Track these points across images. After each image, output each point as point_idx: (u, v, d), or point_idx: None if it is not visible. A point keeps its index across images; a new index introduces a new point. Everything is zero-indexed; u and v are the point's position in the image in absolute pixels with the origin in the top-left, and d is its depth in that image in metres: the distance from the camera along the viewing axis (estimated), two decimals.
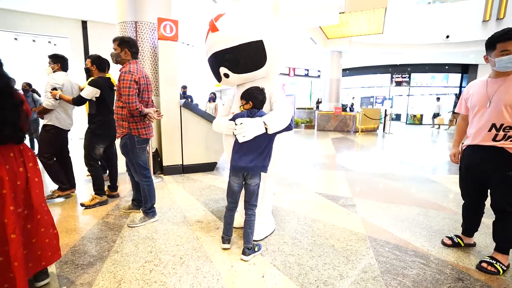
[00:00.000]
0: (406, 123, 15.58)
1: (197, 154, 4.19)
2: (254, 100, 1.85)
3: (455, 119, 12.22)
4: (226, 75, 1.93)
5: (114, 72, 4.21)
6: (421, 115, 14.84)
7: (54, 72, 2.95)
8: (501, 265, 1.79)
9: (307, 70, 14.90)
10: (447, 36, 10.64)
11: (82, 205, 2.74)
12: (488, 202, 1.94)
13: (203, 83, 13.24)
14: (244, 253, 1.89)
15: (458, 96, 14.83)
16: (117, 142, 2.55)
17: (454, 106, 12.14)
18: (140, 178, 2.33)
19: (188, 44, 9.96)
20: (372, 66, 16.06)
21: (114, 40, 2.23)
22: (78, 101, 2.70)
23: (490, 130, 1.76)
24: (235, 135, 1.81)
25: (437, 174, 4.47)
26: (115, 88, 3.54)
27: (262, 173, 1.95)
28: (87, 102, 2.76)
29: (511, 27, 1.70)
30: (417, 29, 11.06)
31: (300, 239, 2.21)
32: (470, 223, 2.10)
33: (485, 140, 1.79)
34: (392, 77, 15.75)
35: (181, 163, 4.10)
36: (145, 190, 2.35)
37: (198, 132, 4.11)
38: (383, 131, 10.89)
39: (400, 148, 7.27)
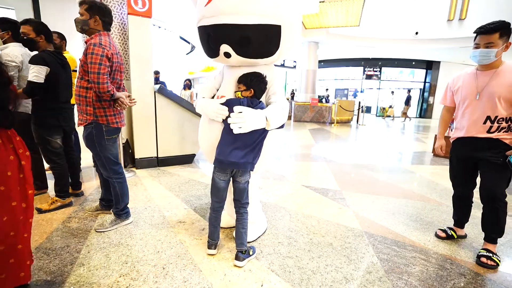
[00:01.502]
0: (376, 115, 16.25)
1: (173, 146, 3.82)
2: (256, 88, 1.60)
3: (407, 111, 13.12)
4: (227, 55, 1.59)
5: (73, 49, 3.64)
6: (389, 108, 15.55)
7: (4, 43, 2.36)
8: (497, 257, 1.79)
9: (283, 60, 14.75)
10: (416, 33, 11.10)
11: (38, 210, 2.25)
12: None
13: (176, 70, 12.49)
14: (237, 258, 1.66)
15: (423, 91, 15.77)
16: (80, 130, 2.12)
17: (407, 100, 12.97)
18: (109, 175, 1.97)
19: (159, 27, 9.19)
20: (345, 59, 16.37)
21: (82, 3, 1.78)
22: (30, 91, 2.01)
23: (485, 122, 1.76)
24: (226, 124, 1.55)
25: (412, 164, 4.60)
26: (75, 68, 3.03)
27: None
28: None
29: (483, 24, 1.73)
30: (390, 24, 11.37)
31: (296, 238, 2.03)
32: (462, 214, 2.10)
33: (480, 132, 1.80)
34: (364, 70, 16.22)
35: (156, 155, 3.71)
36: (117, 189, 2.00)
37: (174, 121, 3.73)
38: (357, 123, 11.20)
39: (374, 139, 7.47)
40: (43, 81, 2.03)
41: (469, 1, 11.14)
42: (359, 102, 11.42)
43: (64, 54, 2.40)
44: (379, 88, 16.47)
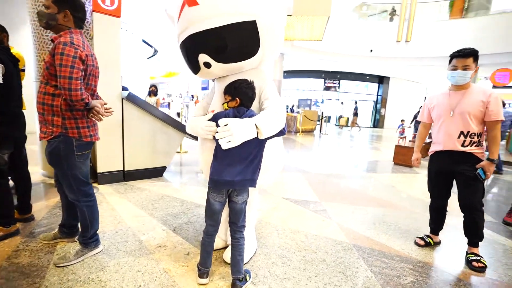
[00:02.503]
0: (335, 125, 17.25)
1: (142, 158, 3.48)
2: (242, 96, 1.46)
3: (355, 121, 14.37)
4: (207, 65, 1.48)
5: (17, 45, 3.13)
6: (348, 118, 16.66)
7: None
8: (483, 259, 1.95)
9: None
10: (371, 50, 12.15)
11: None
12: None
13: (137, 74, 11.73)
14: (234, 286, 1.51)
15: (376, 104, 17.23)
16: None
17: (356, 110, 14.24)
18: (77, 197, 1.67)
19: (121, 28, 8.58)
20: (307, 71, 17.17)
21: None
22: None
23: (459, 137, 1.94)
24: (216, 140, 1.41)
25: (378, 173, 4.90)
26: (24, 67, 2.59)
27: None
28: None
29: (460, 49, 1.92)
30: (349, 41, 12.27)
31: (288, 256, 1.95)
32: (438, 222, 2.25)
33: (455, 146, 1.96)
34: (324, 82, 17.18)
35: (122, 169, 3.34)
36: (85, 213, 1.70)
37: (144, 131, 3.42)
38: (320, 132, 11.72)
39: (338, 148, 7.86)
40: (1, 81, 1.68)
41: (413, 27, 12.57)
42: (322, 113, 12.00)
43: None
44: (338, 99, 17.56)
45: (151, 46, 10.77)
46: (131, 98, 3.19)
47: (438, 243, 2.28)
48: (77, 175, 1.62)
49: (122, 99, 3.17)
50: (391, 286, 1.68)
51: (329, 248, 2.10)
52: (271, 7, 1.46)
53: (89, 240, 1.76)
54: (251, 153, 1.45)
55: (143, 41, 9.32)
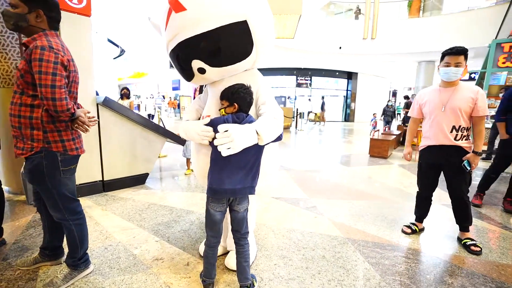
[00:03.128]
0: (308, 121, 17.71)
1: (122, 166, 3.29)
2: (240, 102, 1.43)
3: (322, 116, 14.98)
4: (201, 70, 1.43)
5: None
6: (315, 114, 17.19)
7: None
8: (478, 242, 2.13)
9: None
10: (340, 47, 12.63)
11: None
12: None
13: (103, 75, 11.00)
14: None
15: (346, 98, 17.96)
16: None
17: (322, 106, 14.84)
18: (64, 216, 1.52)
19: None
20: (280, 68, 17.39)
21: None
22: None
23: (451, 131, 2.05)
24: (213, 147, 1.37)
25: (356, 166, 5.12)
26: None
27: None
28: None
29: (453, 47, 2.02)
30: (319, 38, 12.63)
31: (289, 256, 1.97)
32: (424, 211, 2.40)
33: (447, 140, 2.08)
34: (296, 79, 17.53)
35: (101, 179, 3.12)
36: (74, 233, 1.55)
37: (123, 138, 3.22)
38: (296, 128, 11.96)
39: (315, 143, 8.09)
40: None
41: (377, 25, 13.24)
42: (297, 109, 12.24)
43: None
44: (310, 96, 18.04)
45: (117, 46, 10.16)
46: (107, 103, 2.98)
47: (422, 230, 2.45)
48: (63, 193, 1.47)
49: (98, 104, 2.96)
50: (388, 275, 1.77)
51: (326, 244, 2.15)
52: (259, 5, 1.44)
53: (79, 261, 1.62)
54: (250, 160, 1.43)
55: (109, 40, 8.76)
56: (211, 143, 1.42)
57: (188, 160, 4.17)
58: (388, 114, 9.87)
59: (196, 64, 1.41)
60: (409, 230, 2.37)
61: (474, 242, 2.12)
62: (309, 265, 1.86)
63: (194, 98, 4.64)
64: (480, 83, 8.38)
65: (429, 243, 2.23)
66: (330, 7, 14.21)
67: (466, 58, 2.02)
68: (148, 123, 3.44)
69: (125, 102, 5.60)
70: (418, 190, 2.41)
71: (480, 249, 2.08)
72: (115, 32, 8.99)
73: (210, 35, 1.32)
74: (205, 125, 1.44)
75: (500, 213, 2.92)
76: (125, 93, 5.63)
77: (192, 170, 4.14)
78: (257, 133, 1.35)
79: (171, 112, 17.50)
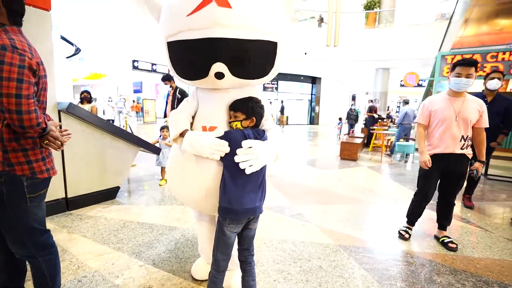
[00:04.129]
0: (276, 124, 18.06)
1: (89, 180, 2.93)
2: (257, 116, 1.38)
3: (281, 119, 15.54)
4: (220, 75, 1.29)
5: None
6: (287, 117, 17.63)
7: None
8: (454, 239, 2.31)
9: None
10: (306, 53, 13.11)
11: None
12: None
13: (58, 77, 9.89)
14: None
15: (311, 102, 18.66)
16: None
17: (281, 109, 15.41)
18: (31, 253, 1.26)
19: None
20: None
21: None
22: None
23: (461, 140, 2.16)
24: (228, 163, 1.29)
25: (331, 169, 5.30)
26: None
27: None
28: None
29: (465, 58, 2.10)
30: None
31: (287, 270, 1.91)
32: (419, 215, 2.44)
33: (457, 148, 2.17)
34: (264, 84, 17.78)
35: (64, 196, 2.74)
36: (44, 271, 1.30)
37: (90, 149, 2.87)
38: None
39: (287, 147, 8.22)
40: None
41: (339, 33, 14.03)
42: None
43: None
44: (276, 99, 18.40)
45: (72, 44, 9.21)
46: (72, 110, 2.63)
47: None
48: (30, 224, 1.22)
49: (60, 111, 2.60)
50: (385, 280, 1.82)
51: (320, 253, 2.14)
52: (288, 31, 1.42)
53: None
54: (262, 176, 1.39)
55: (62, 37, 7.88)
56: (222, 158, 1.31)
57: (163, 170, 3.90)
58: (352, 117, 10.46)
59: (218, 67, 1.27)
60: (407, 235, 2.40)
61: (450, 239, 2.29)
62: (308, 277, 1.83)
63: (166, 104, 4.38)
64: (429, 90, 9.36)
65: (411, 243, 2.36)
66: (295, 14, 14.68)
67: (476, 69, 2.06)
68: (119, 131, 3.13)
69: (86, 107, 5.07)
70: (417, 196, 2.41)
71: (456, 245, 2.25)
72: (69, 28, 8.15)
73: (247, 44, 1.23)
74: (218, 137, 1.32)
75: (461, 209, 3.23)
76: (85, 97, 5.10)
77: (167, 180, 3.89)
78: None
79: (133, 116, 16.43)
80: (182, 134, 1.41)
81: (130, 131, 3.96)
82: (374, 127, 7.89)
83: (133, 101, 16.93)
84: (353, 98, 23.69)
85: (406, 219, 2.51)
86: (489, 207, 3.33)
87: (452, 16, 7.83)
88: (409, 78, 9.09)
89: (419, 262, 2.06)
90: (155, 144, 3.72)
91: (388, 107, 14.19)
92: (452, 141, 2.16)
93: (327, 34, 13.94)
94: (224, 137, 1.32)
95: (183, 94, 4.27)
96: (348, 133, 9.39)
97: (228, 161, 1.30)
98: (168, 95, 4.36)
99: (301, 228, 2.60)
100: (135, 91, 18.99)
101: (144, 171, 4.53)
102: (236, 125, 1.37)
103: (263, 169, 1.35)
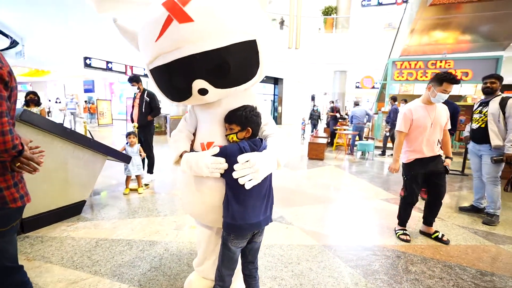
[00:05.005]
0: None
1: (49, 196, 2.60)
2: (253, 126, 1.34)
3: None
4: (203, 91, 1.25)
5: None
6: None
7: None
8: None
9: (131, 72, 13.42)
10: None
11: None
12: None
13: None
14: None
15: (274, 102, 19.07)
16: None
17: None
18: None
19: None
20: None
21: None
22: None
23: (437, 144, 2.42)
24: (228, 179, 1.27)
25: (301, 169, 5.50)
26: None
27: None
28: None
29: (451, 74, 2.22)
30: None
31: (280, 275, 1.94)
32: (409, 216, 2.63)
33: (434, 151, 2.41)
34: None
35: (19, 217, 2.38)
36: None
37: (49, 161, 2.53)
38: None
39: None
40: None
41: (300, 37, 14.49)
42: None
43: None
44: None
45: (7, 36, 8.01)
46: (27, 117, 2.29)
47: None
48: (1, 264, 1.05)
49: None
50: (369, 275, 1.96)
51: (308, 255, 2.22)
52: (266, 24, 1.37)
53: None
54: (266, 187, 1.37)
55: None
56: (223, 175, 1.27)
57: (128, 178, 3.63)
58: (315, 117, 10.98)
59: (199, 84, 1.22)
60: (408, 237, 2.51)
61: (442, 233, 2.54)
62: (301, 281, 1.88)
63: (133, 107, 4.05)
64: (382, 92, 10.28)
65: (382, 237, 2.57)
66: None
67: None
68: (82, 139, 2.83)
69: (34, 110, 4.46)
70: (406, 199, 2.54)
71: (447, 239, 2.49)
72: (4, 18, 7.07)
73: (220, 53, 1.16)
74: (214, 155, 1.28)
75: (421, 202, 3.62)
76: (32, 99, 4.49)
77: (130, 189, 3.63)
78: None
79: (87, 119, 14.96)
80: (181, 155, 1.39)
81: (90, 137, 3.58)
82: (337, 127, 8.39)
83: (86, 101, 15.40)
84: (312, 98, 24.87)
85: (398, 222, 2.65)
86: None
87: (399, 27, 8.70)
88: (366, 81, 9.87)
89: (395, 255, 2.26)
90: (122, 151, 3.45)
91: (346, 107, 15.16)
92: (431, 146, 2.40)
93: (289, 37, 14.37)
94: (220, 153, 1.28)
95: (152, 97, 4.02)
96: (312, 133, 9.85)
97: (228, 177, 1.27)
98: (135, 97, 4.06)
99: (285, 231, 2.66)
100: (86, 90, 17.34)
101: (106, 179, 4.16)
102: (232, 137, 1.33)
103: (266, 178, 1.33)
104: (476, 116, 3.11)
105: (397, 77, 8.87)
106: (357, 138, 7.28)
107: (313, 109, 11.09)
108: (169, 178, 4.43)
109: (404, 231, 2.58)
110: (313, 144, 6.39)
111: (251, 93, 1.53)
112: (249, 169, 1.21)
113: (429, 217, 2.59)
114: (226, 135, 1.36)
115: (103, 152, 3.00)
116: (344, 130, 7.93)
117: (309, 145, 6.47)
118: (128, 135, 3.62)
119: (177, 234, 2.49)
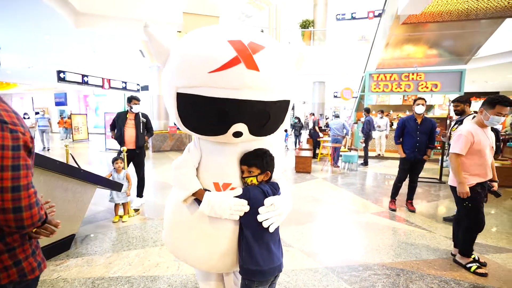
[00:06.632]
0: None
1: None
2: (271, 169, 1.40)
3: None
4: (238, 134, 1.25)
5: None
6: None
7: None
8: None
9: (125, 82, 13.05)
10: None
11: None
12: None
13: None
14: None
15: None
16: None
17: None
18: None
19: None
20: None
21: None
22: None
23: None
24: (247, 222, 1.29)
25: (290, 184, 5.57)
26: None
27: None
28: None
29: (505, 97, 2.19)
30: None
31: None
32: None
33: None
34: None
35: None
36: None
37: None
38: None
39: None
40: None
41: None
42: None
43: None
44: None
45: None
46: None
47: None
48: None
49: None
50: None
51: (313, 280, 2.25)
52: (297, 88, 1.47)
53: None
54: (278, 229, 1.39)
55: None
56: (242, 217, 1.28)
57: (117, 206, 3.47)
58: (297, 128, 11.22)
59: (239, 127, 1.22)
60: (485, 271, 2.34)
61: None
62: None
63: (124, 129, 3.88)
64: (360, 103, 10.77)
65: (380, 255, 2.67)
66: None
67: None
68: (68, 169, 2.67)
69: None
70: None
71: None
72: None
73: (271, 106, 1.24)
74: (236, 196, 1.29)
75: (406, 212, 3.82)
76: None
77: (120, 217, 3.47)
78: None
79: (62, 134, 14.10)
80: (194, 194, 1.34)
81: (74, 163, 3.40)
82: (321, 138, 8.65)
83: (60, 116, 14.54)
84: (292, 107, 25.40)
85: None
86: (425, 208, 4.03)
87: (373, 40, 9.25)
88: (346, 92, 10.31)
89: (394, 273, 2.35)
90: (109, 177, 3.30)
91: (326, 116, 15.64)
92: (491, 168, 2.38)
93: None
94: (243, 196, 1.29)
95: (147, 118, 4.00)
96: (295, 146, 10.03)
97: (248, 220, 1.28)
98: (126, 118, 3.87)
99: (286, 254, 2.65)
100: (58, 104, 16.43)
101: (95, 207, 3.95)
102: (251, 180, 1.35)
103: None
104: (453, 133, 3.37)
105: (374, 88, 9.34)
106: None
107: (294, 121, 11.32)
108: (159, 201, 4.30)
109: (477, 265, 2.38)
110: (300, 158, 6.52)
111: (268, 138, 1.58)
112: (273, 212, 1.25)
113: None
114: (244, 177, 1.36)
115: (93, 182, 2.86)
116: (327, 142, 8.18)
117: (296, 159, 6.60)
118: (115, 160, 3.46)
119: (179, 266, 2.42)
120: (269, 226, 1.27)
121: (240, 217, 1.29)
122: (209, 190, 1.36)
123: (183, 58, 1.20)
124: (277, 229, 1.35)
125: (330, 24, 14.79)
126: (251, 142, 1.42)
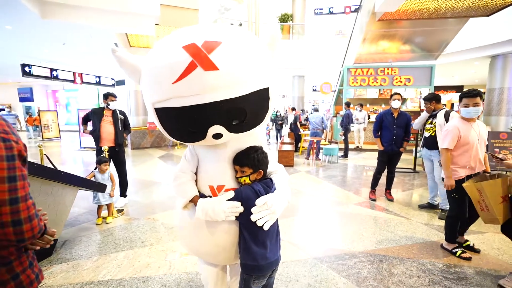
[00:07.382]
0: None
1: None
2: (264, 167, 1.41)
3: None
4: (218, 136, 1.25)
5: None
6: None
7: None
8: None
9: (99, 77, 12.40)
10: None
11: None
12: None
13: None
14: None
15: None
16: None
17: None
18: None
19: None
20: None
21: None
22: None
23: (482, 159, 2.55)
24: (243, 221, 1.32)
25: None
26: None
27: None
28: None
29: (472, 88, 2.41)
30: None
31: None
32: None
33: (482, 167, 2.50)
34: None
35: None
36: None
37: None
38: None
39: None
40: None
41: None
42: None
43: None
44: None
45: None
46: None
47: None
48: None
49: None
50: (361, 283, 2.17)
51: (303, 270, 2.35)
52: (274, 72, 1.39)
53: None
54: (276, 223, 1.43)
55: None
56: (238, 217, 1.30)
57: (99, 207, 3.36)
58: (278, 122, 11.35)
59: (215, 129, 1.22)
60: (469, 255, 2.51)
61: (472, 242, 2.68)
62: None
63: (99, 126, 3.72)
64: (338, 97, 11.08)
65: (363, 243, 2.84)
66: (217, 21, 14.76)
67: (481, 98, 2.35)
68: (49, 172, 2.54)
69: None
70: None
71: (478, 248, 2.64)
72: None
73: (241, 101, 1.18)
74: (229, 199, 1.31)
75: (385, 202, 4.05)
76: None
77: (104, 218, 3.37)
78: None
79: (31, 132, 13.15)
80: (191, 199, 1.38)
81: (51, 164, 3.22)
82: (302, 133, 8.83)
83: (29, 113, 13.49)
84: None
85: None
86: (402, 197, 4.30)
87: (351, 35, 9.50)
88: (325, 86, 10.56)
89: (377, 259, 2.51)
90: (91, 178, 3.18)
91: (306, 111, 15.85)
92: (481, 162, 2.49)
93: None
94: (236, 197, 1.31)
95: (125, 115, 3.89)
96: (277, 139, 10.14)
97: (244, 220, 1.31)
98: (103, 114, 3.71)
99: None
100: (22, 99, 15.27)
101: (77, 209, 3.78)
102: (244, 180, 1.37)
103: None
104: (428, 126, 3.61)
105: (352, 82, 9.67)
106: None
107: (276, 115, 11.43)
108: (143, 200, 4.21)
109: (463, 249, 2.57)
110: (283, 152, 6.63)
111: (254, 134, 1.58)
112: (266, 211, 1.27)
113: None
114: (237, 177, 1.39)
115: (74, 184, 2.74)
116: (307, 135, 8.38)
117: (279, 153, 6.70)
118: (103, 162, 3.31)
119: (170, 265, 2.41)
120: (263, 225, 1.31)
121: (237, 217, 1.32)
122: (204, 195, 1.38)
123: (150, 73, 1.19)
124: (274, 225, 1.40)
125: (308, 18, 14.94)
126: (239, 140, 1.41)
